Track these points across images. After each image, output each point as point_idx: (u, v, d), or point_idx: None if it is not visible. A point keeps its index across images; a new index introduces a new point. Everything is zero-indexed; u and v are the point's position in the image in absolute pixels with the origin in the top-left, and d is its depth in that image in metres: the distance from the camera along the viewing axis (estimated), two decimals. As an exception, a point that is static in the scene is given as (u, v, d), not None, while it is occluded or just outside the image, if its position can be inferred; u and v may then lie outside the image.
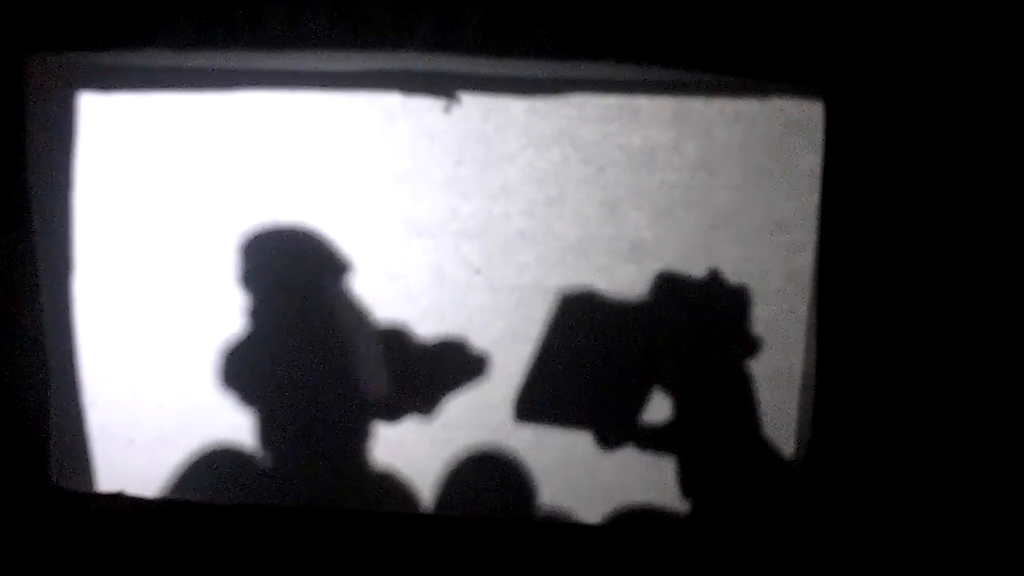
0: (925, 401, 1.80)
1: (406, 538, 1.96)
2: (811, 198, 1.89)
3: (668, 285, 2.02)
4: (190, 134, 2.06)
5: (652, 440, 2.07)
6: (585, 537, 1.96)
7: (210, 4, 1.78)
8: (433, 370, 2.10)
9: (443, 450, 2.11)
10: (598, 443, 2.09)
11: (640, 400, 2.06)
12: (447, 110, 2.00)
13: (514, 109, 2.00)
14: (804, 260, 1.94)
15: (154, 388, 2.13)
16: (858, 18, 1.74)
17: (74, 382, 2.08)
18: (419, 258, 2.06)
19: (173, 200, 2.08)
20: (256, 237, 2.07)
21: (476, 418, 2.10)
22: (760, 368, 2.02)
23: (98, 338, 2.11)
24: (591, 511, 2.09)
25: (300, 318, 2.09)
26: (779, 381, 2.00)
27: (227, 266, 2.09)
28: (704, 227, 2.00)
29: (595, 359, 2.05)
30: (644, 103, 1.98)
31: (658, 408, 2.07)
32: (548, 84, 1.97)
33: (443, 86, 1.99)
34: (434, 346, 2.09)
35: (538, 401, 2.08)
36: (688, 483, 2.07)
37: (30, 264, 1.92)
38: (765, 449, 2.04)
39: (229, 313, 2.10)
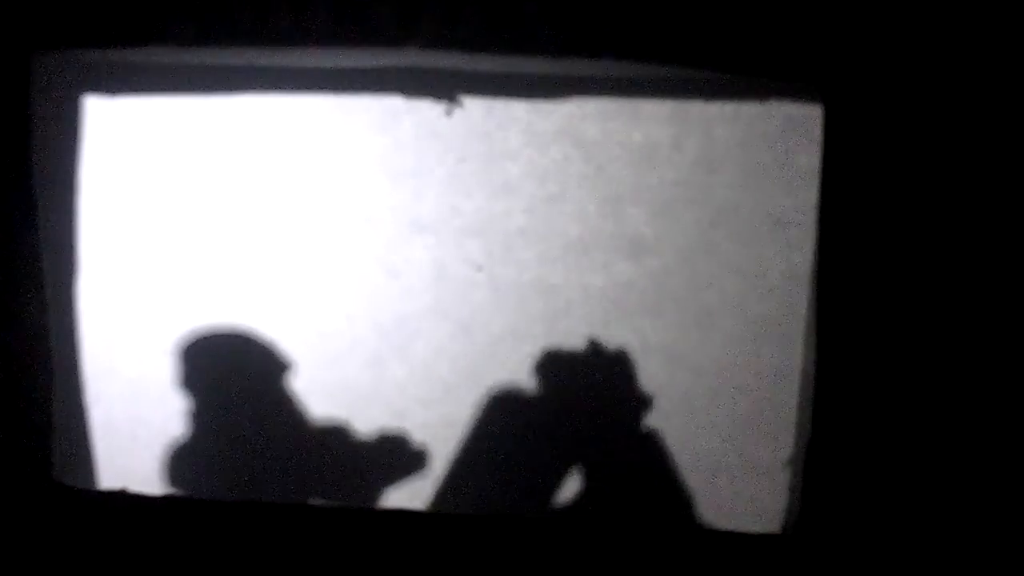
0: (924, 397, 1.80)
1: (407, 535, 1.96)
2: (810, 195, 1.90)
3: (555, 370, 2.06)
4: (193, 133, 2.07)
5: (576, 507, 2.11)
6: (586, 535, 1.96)
7: (215, 2, 1.80)
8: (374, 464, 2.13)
9: (445, 448, 2.12)
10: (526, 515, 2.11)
11: (560, 476, 2.11)
12: (448, 113, 2.01)
13: (515, 107, 2.01)
14: (803, 257, 1.95)
15: (156, 385, 2.14)
16: (857, 18, 1.75)
17: (77, 379, 2.09)
18: (421, 255, 2.07)
19: (177, 198, 2.09)
20: (196, 343, 2.11)
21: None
22: (759, 365, 2.03)
23: (101, 336, 2.11)
24: (592, 509, 2.09)
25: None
26: (778, 377, 2.01)
27: (230, 264, 2.10)
28: (704, 224, 2.01)
29: (511, 446, 2.09)
30: (644, 101, 2.00)
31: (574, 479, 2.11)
32: (549, 82, 1.99)
33: (445, 84, 2.00)
34: (374, 441, 2.12)
35: (464, 490, 2.11)
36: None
37: (34, 262, 1.93)
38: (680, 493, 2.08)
39: (231, 313, 2.11)
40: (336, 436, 2.13)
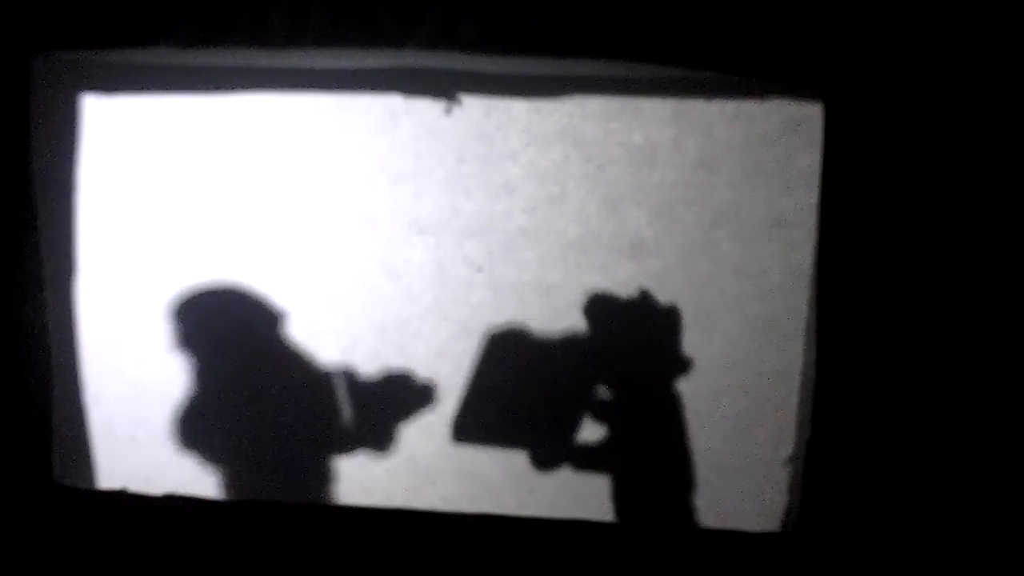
0: (924, 396, 1.80)
1: (408, 533, 1.96)
2: (810, 195, 1.90)
3: (601, 308, 2.05)
4: (193, 133, 2.07)
5: (587, 459, 2.09)
6: (586, 534, 1.96)
7: (215, 3, 1.79)
8: (385, 404, 2.12)
9: (445, 447, 2.12)
10: (534, 464, 2.10)
11: (574, 421, 2.09)
12: (448, 112, 2.01)
13: (516, 108, 2.01)
14: (803, 257, 1.95)
15: (156, 386, 2.13)
16: (857, 19, 1.75)
17: (77, 380, 2.09)
18: (421, 256, 2.06)
19: (176, 198, 2.09)
20: (192, 299, 2.10)
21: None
22: (760, 365, 2.03)
23: (101, 336, 2.11)
24: (592, 508, 2.09)
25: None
26: (779, 376, 2.01)
27: (230, 265, 2.09)
28: (704, 224, 2.01)
29: (530, 382, 2.08)
30: (645, 102, 1.99)
31: (592, 428, 2.09)
32: (549, 83, 1.98)
33: (445, 84, 2.00)
34: (381, 380, 2.11)
35: (475, 424, 2.10)
36: (620, 497, 2.10)
37: (34, 262, 1.93)
38: (688, 463, 2.07)
39: (231, 311, 2.11)
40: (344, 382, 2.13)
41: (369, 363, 2.11)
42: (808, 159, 1.94)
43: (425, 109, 2.02)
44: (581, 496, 2.10)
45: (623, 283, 2.04)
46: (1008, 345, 1.78)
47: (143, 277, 2.11)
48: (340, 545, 1.95)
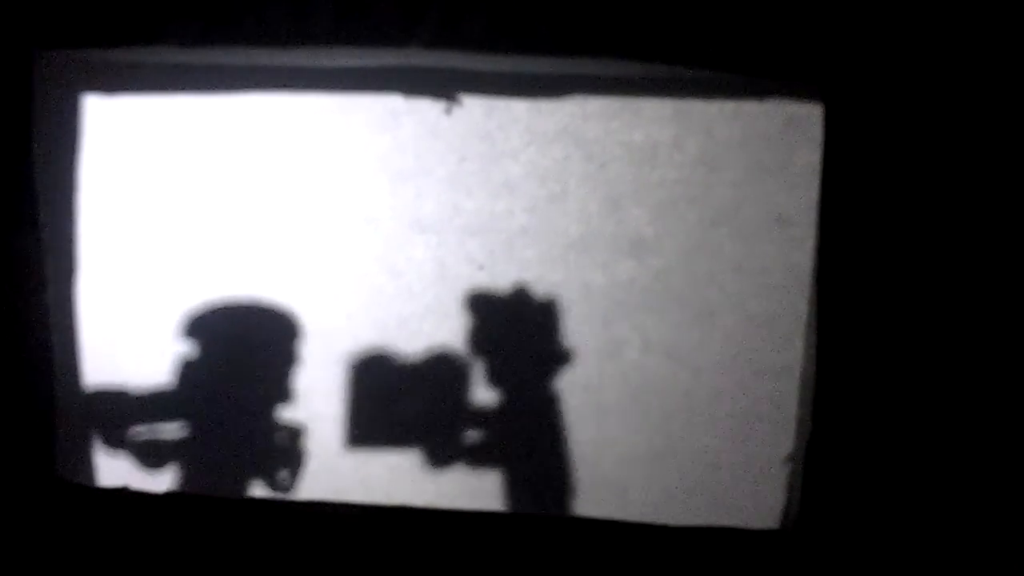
0: (925, 396, 1.81)
1: (409, 531, 1.96)
2: (811, 194, 1.90)
3: (482, 304, 2.07)
4: (194, 132, 2.07)
5: (476, 455, 2.11)
6: (586, 532, 1.97)
7: (217, 2, 1.80)
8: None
9: (445, 445, 2.12)
10: (425, 463, 2.12)
11: (462, 418, 2.11)
12: (448, 112, 2.02)
13: (517, 106, 2.01)
14: (804, 255, 1.96)
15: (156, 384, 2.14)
16: (857, 18, 1.75)
17: (78, 377, 2.09)
18: (422, 254, 2.07)
19: (178, 197, 2.09)
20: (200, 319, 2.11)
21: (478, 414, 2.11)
22: (760, 362, 2.03)
23: (102, 334, 2.11)
24: (592, 506, 2.10)
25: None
26: (779, 375, 2.02)
27: (232, 264, 2.10)
28: (705, 223, 2.02)
29: (416, 381, 2.10)
30: (646, 101, 2.00)
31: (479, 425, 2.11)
32: (551, 82, 1.99)
33: (446, 83, 2.00)
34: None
35: (365, 426, 2.12)
36: (509, 492, 2.12)
37: (36, 260, 1.93)
38: (563, 457, 2.09)
39: (232, 310, 2.11)
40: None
41: (369, 361, 2.11)
42: (808, 157, 1.94)
43: (426, 108, 2.03)
44: (582, 493, 2.11)
45: (624, 281, 2.04)
46: (1009, 345, 1.79)
47: (145, 275, 2.11)
48: (341, 542, 1.95)
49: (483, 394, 2.10)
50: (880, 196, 1.78)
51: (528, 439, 2.10)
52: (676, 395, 2.07)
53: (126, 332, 2.13)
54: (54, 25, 1.83)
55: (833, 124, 1.80)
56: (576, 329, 2.07)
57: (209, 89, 2.04)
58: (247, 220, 2.09)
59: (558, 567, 1.93)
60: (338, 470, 2.14)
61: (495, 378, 2.09)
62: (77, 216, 2.06)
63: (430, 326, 2.09)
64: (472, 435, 2.10)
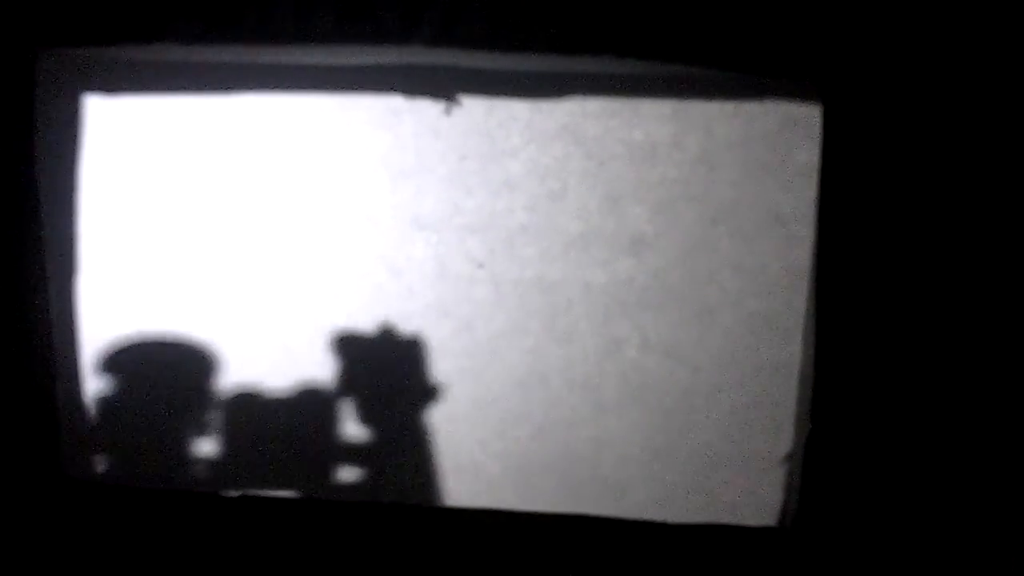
0: (923, 393, 1.82)
1: (408, 529, 1.97)
2: (809, 193, 1.91)
3: (346, 346, 2.10)
4: (196, 130, 2.07)
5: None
6: (585, 529, 1.97)
7: (218, 1, 1.80)
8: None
9: (445, 443, 2.13)
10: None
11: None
12: (447, 112, 2.02)
13: (517, 105, 2.02)
14: (802, 253, 1.96)
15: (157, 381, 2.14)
16: (856, 17, 1.76)
17: (79, 375, 2.10)
18: (422, 252, 2.07)
19: (179, 195, 2.09)
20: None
21: (477, 411, 2.11)
22: (758, 360, 2.04)
23: (103, 333, 2.12)
24: (591, 503, 2.10)
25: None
26: (778, 373, 2.02)
27: (232, 262, 2.10)
28: (704, 221, 2.02)
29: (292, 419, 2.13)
30: (645, 100, 2.00)
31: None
32: (550, 80, 1.99)
33: (447, 82, 2.01)
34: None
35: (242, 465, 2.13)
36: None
37: (38, 258, 1.93)
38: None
39: (232, 309, 2.12)
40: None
41: (369, 359, 2.12)
42: (807, 156, 1.94)
43: (427, 107, 2.03)
44: (580, 491, 2.11)
45: (623, 279, 2.05)
46: (1007, 343, 1.79)
47: (146, 273, 2.11)
48: (341, 540, 1.96)
49: (353, 430, 2.13)
50: (878, 195, 1.78)
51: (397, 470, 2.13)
52: (675, 393, 2.07)
53: (127, 330, 2.13)
54: (56, 23, 1.84)
55: (832, 123, 1.80)
56: (575, 327, 2.07)
57: (210, 87, 2.05)
58: (248, 218, 2.09)
59: (558, 565, 1.94)
60: (338, 468, 2.15)
61: (364, 415, 2.12)
62: (78, 214, 2.07)
63: (430, 324, 2.09)
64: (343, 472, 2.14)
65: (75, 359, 2.09)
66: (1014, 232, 1.77)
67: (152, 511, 1.97)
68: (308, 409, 2.13)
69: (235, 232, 2.10)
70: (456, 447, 2.13)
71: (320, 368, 2.12)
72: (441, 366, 2.11)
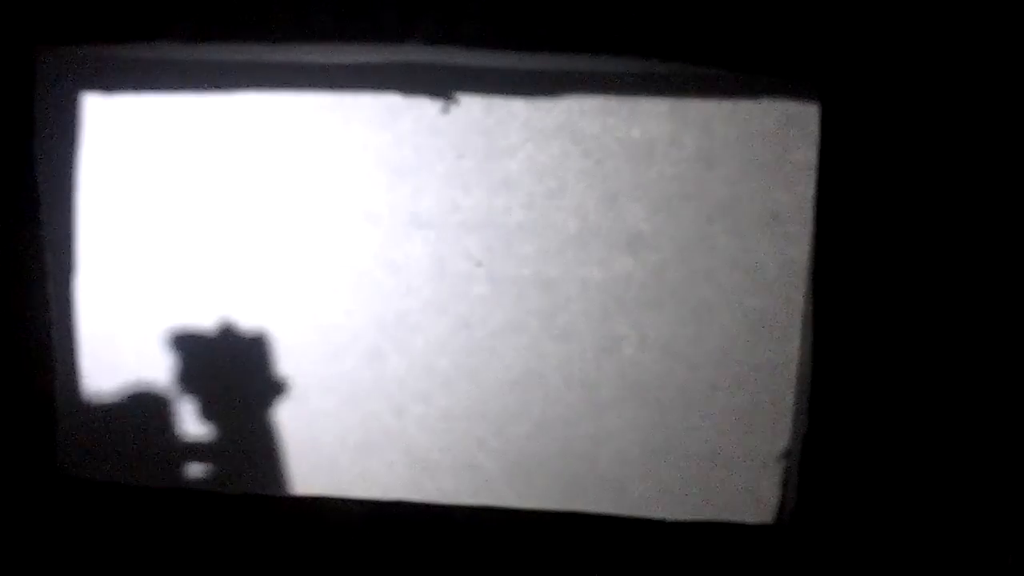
0: (920, 391, 1.82)
1: (407, 526, 1.97)
2: (806, 191, 1.92)
3: (187, 344, 2.11)
4: (194, 128, 2.07)
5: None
6: (583, 526, 1.98)
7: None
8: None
9: (443, 440, 2.13)
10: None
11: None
12: (446, 110, 2.02)
13: (515, 103, 2.02)
14: (800, 251, 1.97)
15: (157, 379, 2.14)
16: (854, 16, 1.76)
17: (77, 373, 2.10)
18: (421, 250, 2.08)
19: (177, 193, 2.09)
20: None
21: (476, 408, 2.12)
22: (756, 358, 2.04)
23: (103, 331, 2.12)
24: (589, 501, 2.11)
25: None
26: (775, 370, 2.02)
27: (231, 260, 2.10)
28: (701, 219, 2.02)
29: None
30: (643, 98, 2.00)
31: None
32: (549, 79, 1.99)
33: (445, 80, 2.01)
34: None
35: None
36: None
37: (37, 257, 1.93)
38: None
39: (232, 307, 2.12)
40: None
41: (368, 357, 2.12)
42: (804, 154, 1.95)
43: (425, 105, 2.03)
44: (578, 489, 2.12)
45: (621, 277, 2.05)
46: (1004, 341, 1.79)
47: (144, 271, 2.12)
48: (340, 537, 1.96)
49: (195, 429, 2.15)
50: (875, 193, 1.79)
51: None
52: (673, 390, 2.08)
53: (125, 327, 2.13)
54: (55, 21, 1.84)
55: (829, 122, 1.81)
56: (573, 325, 2.08)
57: (209, 86, 2.05)
58: (247, 216, 2.09)
59: (557, 563, 1.94)
60: (336, 466, 2.15)
61: (206, 413, 2.14)
62: (77, 212, 2.07)
63: (428, 321, 2.09)
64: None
65: (73, 358, 2.09)
66: (1012, 231, 1.77)
67: (152, 510, 1.97)
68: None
69: (233, 230, 2.10)
70: (454, 444, 2.13)
71: (317, 367, 2.12)
72: (439, 363, 2.11)
